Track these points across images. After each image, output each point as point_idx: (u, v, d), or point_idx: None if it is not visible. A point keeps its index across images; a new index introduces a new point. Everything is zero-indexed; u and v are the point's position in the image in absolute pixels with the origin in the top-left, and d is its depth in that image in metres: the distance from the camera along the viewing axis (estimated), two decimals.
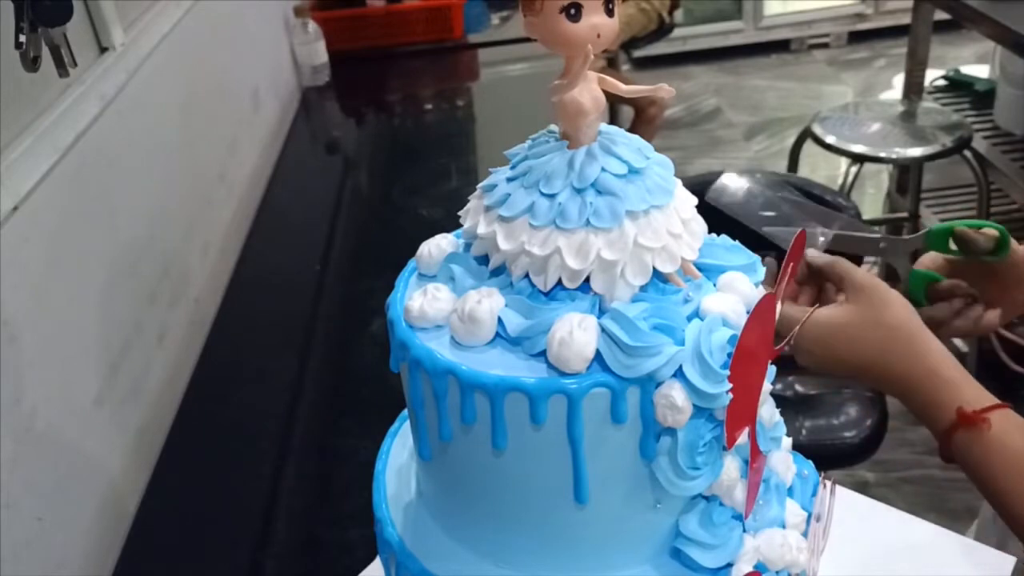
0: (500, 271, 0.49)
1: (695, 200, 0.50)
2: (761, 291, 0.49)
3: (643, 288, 0.46)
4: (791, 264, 0.51)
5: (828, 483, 0.59)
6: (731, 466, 0.48)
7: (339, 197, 1.65)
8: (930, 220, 2.23)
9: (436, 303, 0.49)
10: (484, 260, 0.50)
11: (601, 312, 0.46)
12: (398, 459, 0.60)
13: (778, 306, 0.47)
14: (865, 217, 1.64)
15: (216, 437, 1.08)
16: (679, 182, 0.49)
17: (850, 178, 2.44)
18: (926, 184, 2.28)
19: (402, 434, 0.62)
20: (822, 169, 2.95)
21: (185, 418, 1.10)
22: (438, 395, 0.47)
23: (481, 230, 0.49)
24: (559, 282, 0.47)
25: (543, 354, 0.45)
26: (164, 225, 1.18)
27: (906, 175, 2.31)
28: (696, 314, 0.46)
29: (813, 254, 0.78)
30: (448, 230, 0.56)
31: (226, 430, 1.08)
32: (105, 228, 1.01)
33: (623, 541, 0.50)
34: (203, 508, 0.97)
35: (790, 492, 0.55)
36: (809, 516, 0.55)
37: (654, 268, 0.46)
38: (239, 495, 0.98)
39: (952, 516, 0.96)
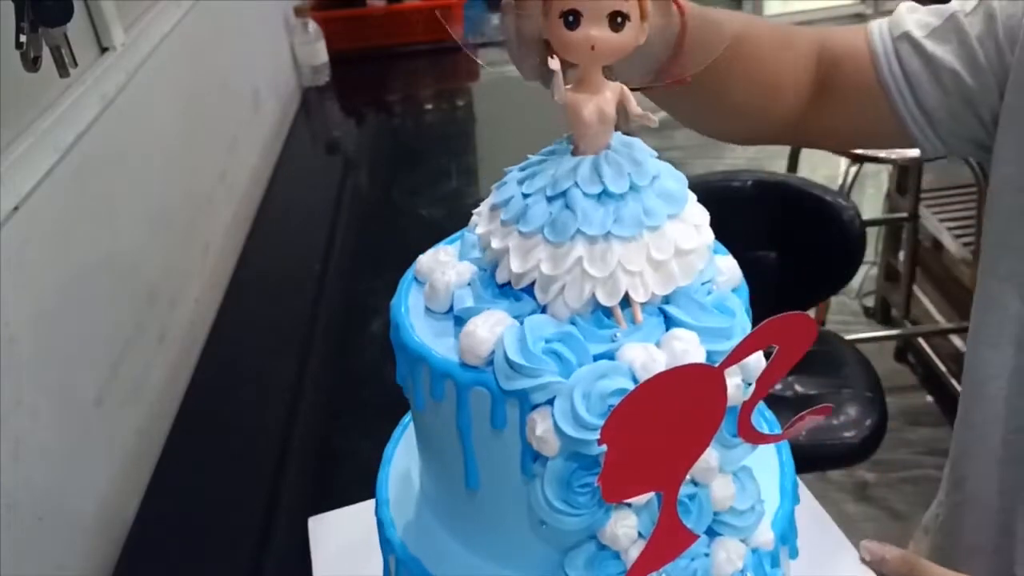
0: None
1: (692, 244, 0.46)
2: (699, 357, 0.44)
3: (586, 313, 0.45)
4: (778, 346, 0.42)
5: None
6: (623, 522, 0.45)
7: (339, 197, 1.65)
8: (929, 220, 2.23)
9: (432, 263, 0.52)
10: None
11: None
12: (401, 459, 0.60)
13: (732, 380, 0.42)
14: (865, 217, 1.64)
15: (216, 437, 1.08)
16: (689, 222, 0.47)
17: (850, 178, 2.43)
18: (926, 184, 2.27)
19: (406, 435, 0.62)
20: (822, 169, 2.95)
21: (185, 418, 1.10)
22: (395, 342, 0.50)
23: (478, 209, 0.51)
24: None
25: None
26: (164, 225, 1.18)
27: (906, 175, 2.30)
28: (609, 356, 0.44)
29: (885, 565, 0.64)
30: (448, 230, 0.56)
31: (226, 430, 1.08)
32: (105, 228, 1.01)
33: (513, 546, 0.50)
34: (203, 508, 0.97)
35: None
36: None
37: (595, 297, 0.45)
38: (239, 495, 0.98)
39: None
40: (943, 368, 2.18)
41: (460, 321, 0.47)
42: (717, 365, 0.38)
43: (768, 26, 0.74)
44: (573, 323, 0.45)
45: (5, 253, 0.80)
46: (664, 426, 0.38)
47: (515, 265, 0.45)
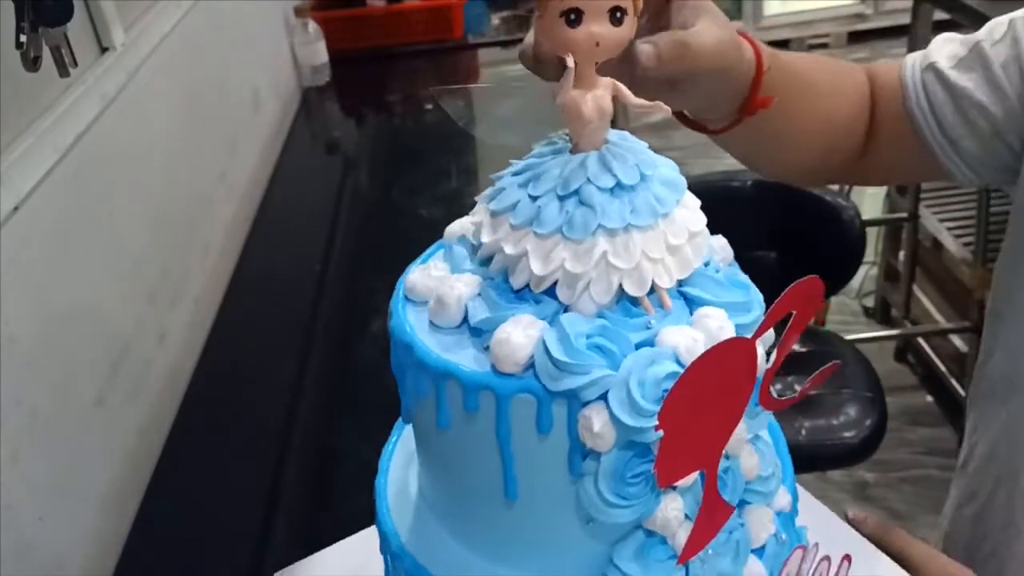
0: (487, 261, 0.49)
1: (698, 227, 0.48)
2: (731, 332, 0.46)
3: (612, 306, 0.46)
4: (793, 312, 0.45)
5: (835, 560, 0.53)
6: (671, 506, 0.46)
7: (339, 197, 1.65)
8: (929, 220, 2.23)
9: (428, 280, 0.50)
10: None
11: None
12: (400, 459, 0.60)
13: (759, 350, 0.44)
14: (865, 217, 1.64)
15: (216, 437, 1.08)
16: (690, 206, 0.48)
17: None
18: (926, 184, 2.27)
19: (404, 435, 0.62)
20: None
21: (185, 418, 1.10)
22: (402, 366, 0.48)
23: (473, 219, 0.50)
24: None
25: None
26: (164, 225, 1.18)
27: None
28: (650, 343, 0.45)
29: (865, 524, 0.66)
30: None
31: (226, 430, 1.08)
32: (105, 228, 1.01)
33: (554, 550, 0.49)
34: (203, 508, 0.97)
35: (760, 551, 0.52)
36: None
37: (622, 289, 0.45)
38: (239, 495, 0.98)
39: None
40: (943, 368, 2.18)
41: (478, 332, 0.46)
42: (748, 337, 0.41)
43: (824, 63, 0.74)
44: (602, 317, 0.45)
45: (5, 253, 0.80)
46: (707, 403, 0.40)
47: (536, 268, 0.45)
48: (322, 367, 1.18)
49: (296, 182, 1.71)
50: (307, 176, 1.77)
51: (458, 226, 0.53)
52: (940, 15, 2.14)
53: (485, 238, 0.48)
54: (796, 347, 1.65)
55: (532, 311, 0.46)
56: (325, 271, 1.38)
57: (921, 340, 2.30)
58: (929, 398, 2.26)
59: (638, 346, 0.44)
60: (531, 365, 0.44)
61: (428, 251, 0.54)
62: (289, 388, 1.14)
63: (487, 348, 0.45)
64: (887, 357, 2.37)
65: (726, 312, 0.46)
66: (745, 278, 0.50)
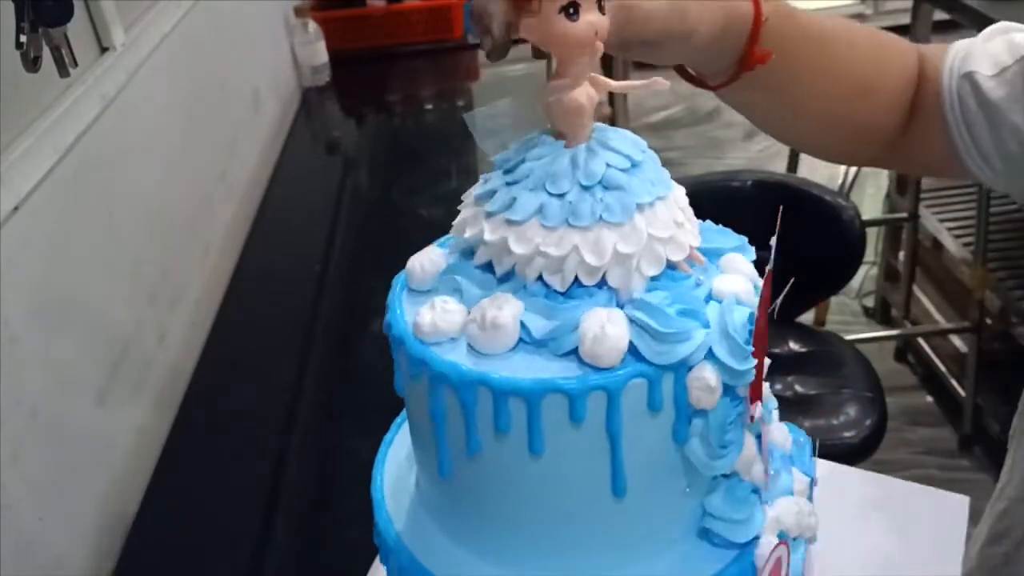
0: (508, 276, 0.48)
1: (683, 189, 0.51)
2: (754, 271, 0.51)
3: (654, 278, 0.47)
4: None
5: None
6: (750, 442, 0.49)
7: (339, 197, 1.65)
8: (929, 220, 2.23)
9: (447, 315, 0.48)
10: (487, 268, 0.49)
11: (618, 305, 0.46)
12: (397, 459, 0.60)
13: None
14: (865, 217, 1.64)
15: (216, 437, 1.08)
16: (667, 171, 0.51)
17: (850, 178, 2.44)
18: (926, 184, 2.27)
19: (401, 434, 0.62)
20: (822, 169, 2.94)
21: (185, 418, 1.10)
22: (467, 407, 0.46)
23: (488, 237, 0.48)
24: (574, 280, 0.47)
25: (571, 353, 0.45)
26: (164, 225, 1.18)
27: (906, 175, 2.30)
28: (710, 296, 0.48)
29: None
30: (449, 230, 0.56)
31: (226, 430, 1.08)
32: (105, 228, 1.01)
33: (657, 528, 0.50)
34: (203, 508, 0.97)
35: (792, 460, 0.57)
36: (812, 481, 0.56)
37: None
38: (239, 495, 0.98)
39: None
40: (943, 368, 2.18)
41: (541, 344, 0.46)
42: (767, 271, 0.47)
43: (865, 31, 0.68)
44: (656, 289, 0.47)
45: (5, 253, 0.80)
46: (760, 333, 0.46)
47: (591, 259, 0.46)
48: (322, 367, 1.18)
49: (296, 182, 1.71)
50: (307, 176, 1.77)
51: (428, 262, 0.52)
52: (940, 15, 2.14)
53: (518, 249, 0.46)
54: (796, 347, 1.65)
55: (593, 303, 0.46)
56: (325, 271, 1.38)
57: (921, 340, 2.30)
58: (929, 398, 2.26)
59: (705, 301, 0.47)
60: (627, 352, 0.45)
61: (395, 295, 0.52)
62: (289, 388, 1.14)
63: (563, 355, 0.45)
64: (887, 357, 2.37)
65: (740, 254, 0.51)
66: (719, 226, 0.54)
